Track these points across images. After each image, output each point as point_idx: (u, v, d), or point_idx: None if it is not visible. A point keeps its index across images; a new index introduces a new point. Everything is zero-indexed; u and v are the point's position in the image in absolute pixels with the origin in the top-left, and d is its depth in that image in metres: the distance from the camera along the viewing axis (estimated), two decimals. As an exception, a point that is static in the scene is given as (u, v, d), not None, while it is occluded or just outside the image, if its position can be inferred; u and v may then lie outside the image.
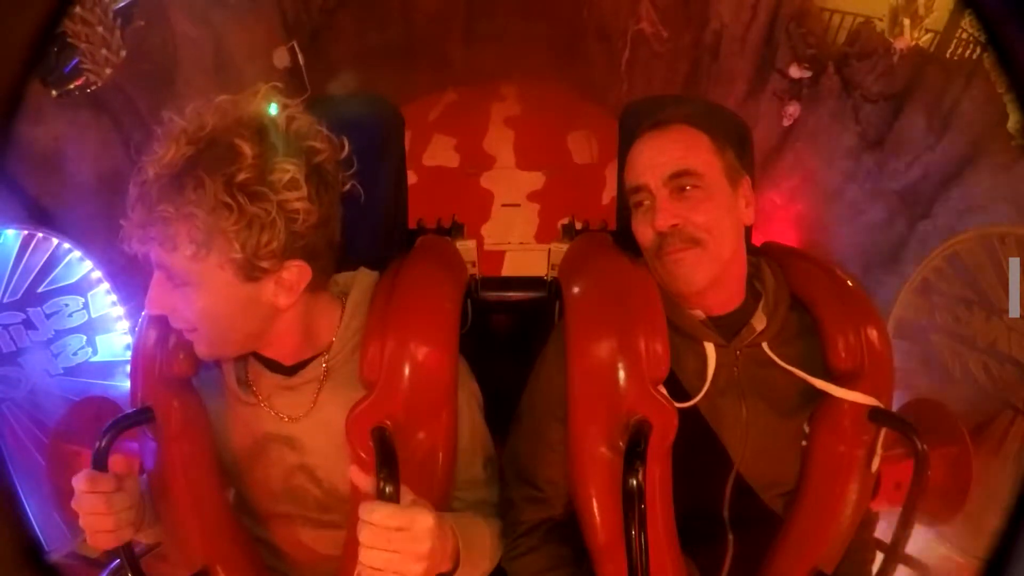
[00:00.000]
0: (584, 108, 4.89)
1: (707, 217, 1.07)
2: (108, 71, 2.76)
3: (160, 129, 0.90)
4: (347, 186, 0.99)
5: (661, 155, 1.10)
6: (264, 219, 0.88)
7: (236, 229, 0.87)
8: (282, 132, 0.92)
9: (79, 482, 0.93)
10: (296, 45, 3.98)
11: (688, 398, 1.07)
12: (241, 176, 0.87)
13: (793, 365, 1.09)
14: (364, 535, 0.81)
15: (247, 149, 0.87)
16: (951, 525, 1.96)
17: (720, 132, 1.14)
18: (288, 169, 0.89)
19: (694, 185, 1.08)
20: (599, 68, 4.78)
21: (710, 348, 1.10)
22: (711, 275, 1.08)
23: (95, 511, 0.93)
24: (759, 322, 1.12)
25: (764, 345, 1.11)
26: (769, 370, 1.10)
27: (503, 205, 4.26)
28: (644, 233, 1.12)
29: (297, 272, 0.94)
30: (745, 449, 1.11)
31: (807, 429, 1.11)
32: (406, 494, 0.86)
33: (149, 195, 0.87)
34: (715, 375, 1.09)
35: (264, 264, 0.90)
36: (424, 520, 0.83)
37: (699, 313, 1.13)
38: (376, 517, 0.81)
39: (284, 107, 0.95)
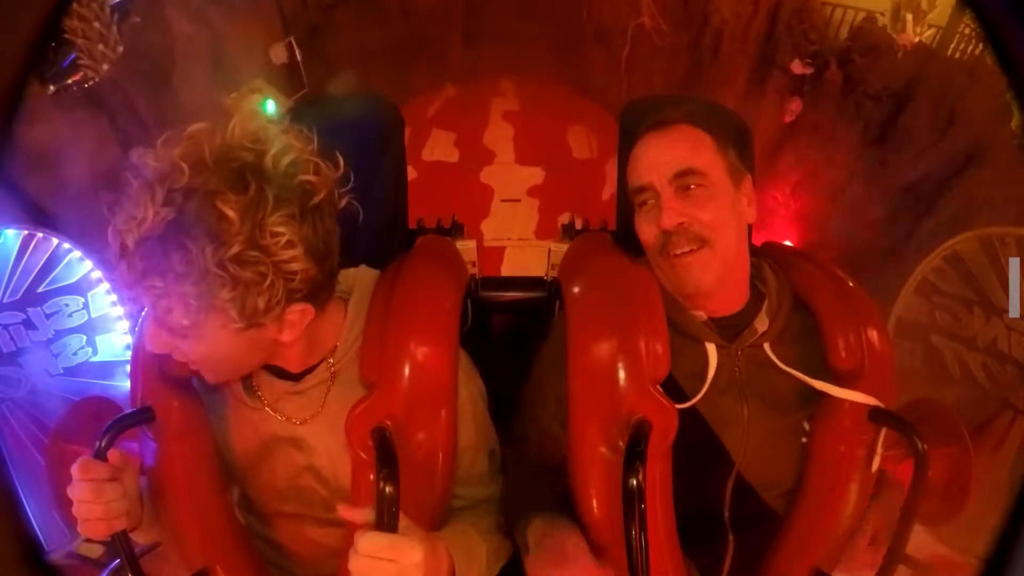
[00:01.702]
0: (584, 103, 4.85)
1: (713, 215, 1.07)
2: (105, 67, 2.75)
3: (131, 175, 0.82)
4: (343, 203, 0.94)
5: (665, 154, 1.11)
6: (261, 284, 0.84)
7: (231, 298, 0.83)
8: (271, 174, 0.84)
9: (74, 469, 0.93)
10: (293, 41, 3.95)
11: (684, 399, 1.07)
12: (233, 250, 0.80)
13: (795, 366, 1.09)
14: (353, 564, 0.82)
15: (233, 214, 0.80)
16: (951, 525, 1.96)
17: (721, 131, 1.14)
18: (281, 232, 0.83)
19: (698, 184, 1.08)
20: (599, 63, 4.75)
21: (711, 349, 1.10)
22: (718, 275, 1.09)
23: (84, 498, 0.92)
24: (761, 324, 1.13)
25: (766, 346, 1.11)
26: (770, 371, 1.10)
27: (503, 200, 4.24)
28: (648, 232, 1.12)
29: (300, 314, 0.92)
30: (746, 449, 1.11)
31: (807, 427, 1.11)
32: (400, 520, 0.86)
33: (133, 264, 0.82)
34: (716, 375, 1.09)
35: (264, 320, 0.88)
36: (413, 554, 0.83)
37: (701, 314, 1.13)
38: (363, 547, 0.81)
39: (279, 122, 0.90)
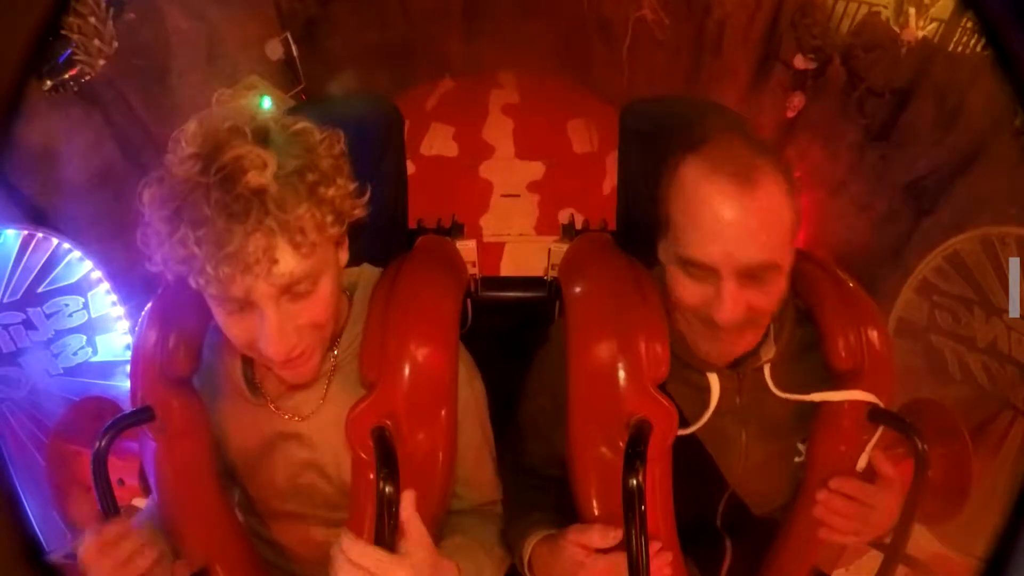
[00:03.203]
0: (584, 96, 4.82)
1: (772, 302, 0.97)
2: (101, 62, 2.74)
3: (186, 146, 0.84)
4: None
5: (748, 235, 0.91)
6: (349, 177, 0.93)
7: (351, 187, 0.92)
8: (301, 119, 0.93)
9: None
10: (289, 36, 3.93)
11: (684, 425, 1.05)
12: (334, 146, 0.91)
13: (794, 385, 1.08)
14: (337, 566, 0.84)
15: (314, 128, 0.90)
16: (951, 525, 1.97)
17: (791, 176, 0.97)
18: (340, 141, 0.93)
19: (768, 275, 0.94)
20: (599, 56, 4.73)
21: (713, 378, 1.07)
22: (749, 345, 1.04)
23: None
24: (767, 352, 1.08)
25: (765, 369, 1.08)
26: (770, 394, 1.09)
27: (502, 195, 4.22)
28: (690, 298, 0.98)
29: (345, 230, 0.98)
30: (741, 472, 1.11)
31: (801, 447, 1.11)
32: (411, 533, 0.88)
33: (277, 203, 0.82)
34: (717, 402, 1.07)
35: (356, 210, 0.94)
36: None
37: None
38: (353, 554, 0.84)
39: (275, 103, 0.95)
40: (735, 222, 0.91)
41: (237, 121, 0.84)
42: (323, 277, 0.91)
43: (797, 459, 1.11)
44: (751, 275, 0.93)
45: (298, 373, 0.97)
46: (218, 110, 0.88)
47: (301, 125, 0.90)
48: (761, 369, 1.08)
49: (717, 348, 1.03)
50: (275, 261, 0.83)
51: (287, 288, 0.87)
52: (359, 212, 0.95)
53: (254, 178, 0.80)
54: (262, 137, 0.84)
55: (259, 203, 0.80)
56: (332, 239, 0.91)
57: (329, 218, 0.88)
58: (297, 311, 0.89)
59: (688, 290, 0.98)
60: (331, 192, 0.88)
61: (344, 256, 0.98)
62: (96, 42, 2.72)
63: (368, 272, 1.12)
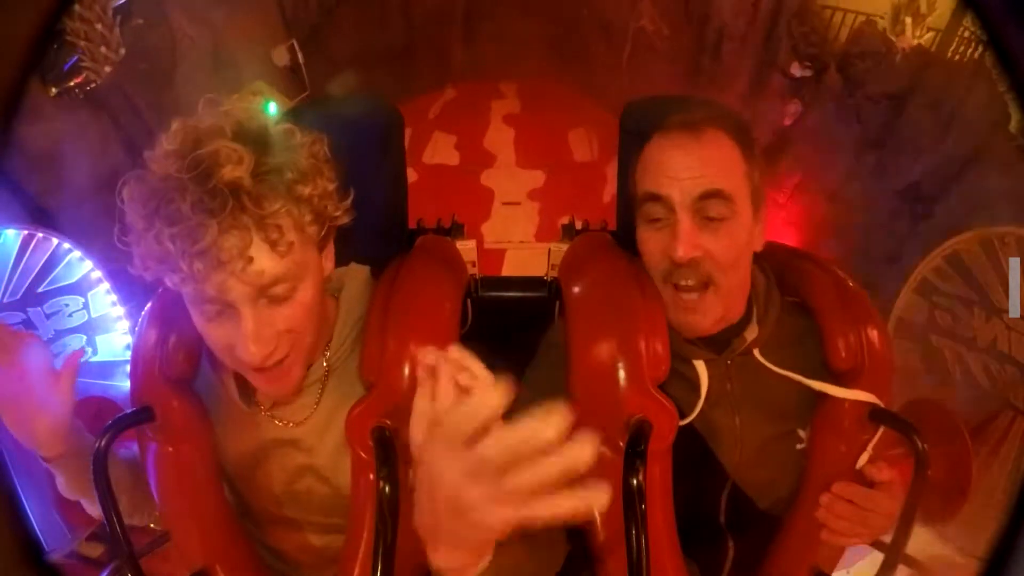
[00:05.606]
0: (584, 105, 4.90)
1: (728, 253, 1.01)
2: (107, 69, 2.76)
3: (175, 142, 0.85)
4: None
5: (694, 166, 1.00)
6: (331, 179, 0.92)
7: (332, 189, 0.91)
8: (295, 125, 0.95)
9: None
10: (296, 43, 3.98)
11: (680, 416, 1.05)
12: (316, 147, 0.90)
13: (788, 370, 1.08)
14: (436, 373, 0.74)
15: (295, 129, 0.90)
16: (951, 525, 1.97)
17: (751, 146, 1.05)
18: (323, 143, 0.93)
19: (721, 215, 1.00)
20: (600, 66, 4.81)
21: (700, 366, 1.08)
22: (717, 318, 1.06)
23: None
24: (751, 332, 1.10)
25: (756, 352, 1.09)
26: (763, 377, 1.09)
27: (503, 203, 4.27)
28: (654, 253, 1.05)
29: (330, 236, 0.98)
30: (740, 461, 1.11)
31: (803, 434, 1.11)
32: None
33: (252, 199, 0.81)
34: (708, 390, 1.08)
35: (337, 218, 0.94)
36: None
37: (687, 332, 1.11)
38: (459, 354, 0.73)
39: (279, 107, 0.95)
40: (682, 156, 1.01)
41: (218, 120, 0.84)
42: (303, 282, 0.89)
43: (799, 446, 1.11)
44: (705, 213, 1.00)
45: (278, 384, 0.96)
46: (202, 112, 0.87)
47: (283, 126, 0.90)
48: (748, 353, 1.09)
49: (683, 317, 1.05)
50: (250, 259, 0.82)
51: (264, 289, 0.85)
52: (342, 215, 0.95)
53: (229, 172, 0.80)
54: (241, 135, 0.84)
55: (234, 198, 0.80)
56: (312, 240, 0.91)
57: (308, 217, 0.88)
58: (275, 316, 0.88)
59: (650, 241, 1.05)
60: (309, 191, 0.87)
61: (329, 265, 0.98)
62: (103, 49, 2.73)
63: (355, 271, 1.11)
